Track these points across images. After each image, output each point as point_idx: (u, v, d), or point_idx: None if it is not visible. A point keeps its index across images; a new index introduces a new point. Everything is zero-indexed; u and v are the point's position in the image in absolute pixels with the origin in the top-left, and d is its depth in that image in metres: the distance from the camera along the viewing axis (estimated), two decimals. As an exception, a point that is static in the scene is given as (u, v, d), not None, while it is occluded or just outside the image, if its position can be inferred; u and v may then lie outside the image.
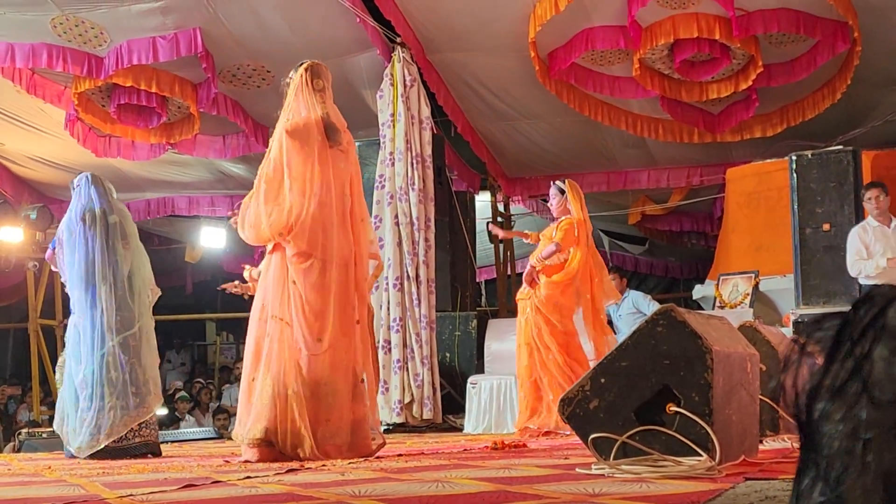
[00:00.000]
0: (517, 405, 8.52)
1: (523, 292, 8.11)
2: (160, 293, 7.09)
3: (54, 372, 13.92)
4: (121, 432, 6.49)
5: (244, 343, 5.73)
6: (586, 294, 8.05)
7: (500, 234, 10.19)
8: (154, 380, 6.78)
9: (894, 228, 8.77)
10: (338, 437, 5.27)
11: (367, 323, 5.68)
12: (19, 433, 10.59)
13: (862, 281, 8.77)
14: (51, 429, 11.16)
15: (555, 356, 7.81)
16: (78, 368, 6.58)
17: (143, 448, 6.59)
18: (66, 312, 14.48)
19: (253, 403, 5.29)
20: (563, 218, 8.11)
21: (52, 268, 7.08)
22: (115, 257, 6.73)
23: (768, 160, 11.35)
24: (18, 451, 9.77)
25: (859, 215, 9.29)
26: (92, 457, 6.37)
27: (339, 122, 5.65)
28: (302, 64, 5.73)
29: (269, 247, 5.49)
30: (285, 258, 5.40)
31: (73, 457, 6.55)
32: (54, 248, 6.90)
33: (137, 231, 7.16)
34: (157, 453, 6.68)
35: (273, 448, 5.17)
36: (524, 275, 8.18)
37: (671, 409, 3.43)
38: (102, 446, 6.43)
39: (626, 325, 10.42)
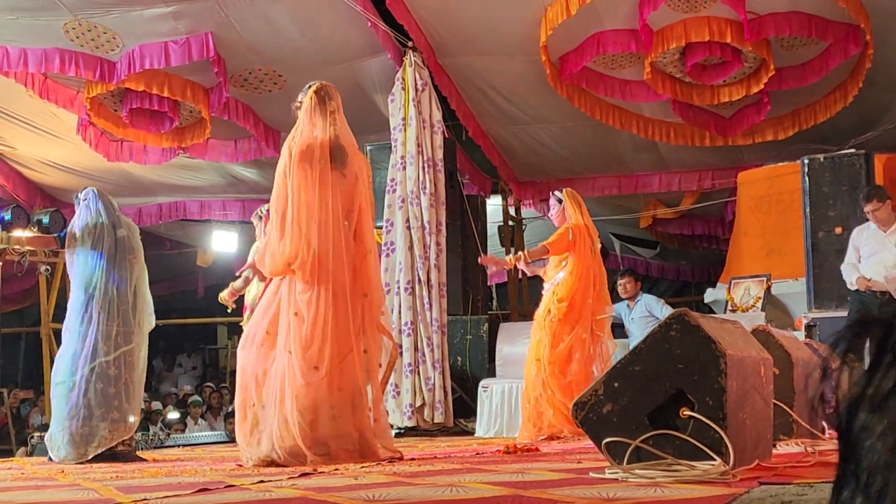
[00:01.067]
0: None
1: (539, 312, 8.12)
2: (153, 326, 7.08)
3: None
4: (108, 445, 6.53)
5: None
6: (588, 301, 8.02)
7: (489, 262, 9.92)
8: (139, 397, 6.82)
9: (891, 233, 8.68)
10: (348, 445, 5.28)
11: (377, 357, 5.66)
12: (31, 437, 10.61)
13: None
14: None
15: (550, 376, 7.81)
16: (66, 379, 6.59)
17: (121, 456, 6.62)
18: (78, 316, 14.59)
19: (256, 430, 5.32)
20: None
21: (66, 258, 7.03)
22: (123, 272, 6.75)
23: (780, 164, 11.33)
24: (31, 454, 9.78)
25: (872, 219, 9.27)
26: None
27: (349, 145, 5.63)
28: (311, 86, 5.69)
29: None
30: (290, 286, 5.39)
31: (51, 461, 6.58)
32: (60, 236, 6.91)
33: (148, 238, 7.18)
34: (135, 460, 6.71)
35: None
36: (490, 259, 8.41)
37: (685, 413, 3.42)
38: (90, 457, 6.46)
39: (639, 329, 10.40)
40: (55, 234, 7.05)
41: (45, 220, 13.10)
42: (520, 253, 8.24)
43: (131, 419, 6.67)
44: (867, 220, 9.03)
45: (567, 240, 7.96)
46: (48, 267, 13.59)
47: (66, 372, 6.58)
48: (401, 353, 9.61)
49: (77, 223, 6.89)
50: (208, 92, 10.89)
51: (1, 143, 12.61)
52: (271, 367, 5.35)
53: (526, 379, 8.06)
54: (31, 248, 7.17)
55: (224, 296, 7.97)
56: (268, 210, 8.19)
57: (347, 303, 5.41)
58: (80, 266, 6.70)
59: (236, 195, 14.44)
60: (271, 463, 5.17)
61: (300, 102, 5.65)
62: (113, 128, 11.41)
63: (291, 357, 5.28)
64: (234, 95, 11.19)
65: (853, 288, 8.66)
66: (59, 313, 14.12)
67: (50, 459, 6.68)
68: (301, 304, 5.33)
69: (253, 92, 11.29)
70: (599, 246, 8.42)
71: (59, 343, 13.52)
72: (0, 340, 12.99)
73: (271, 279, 5.60)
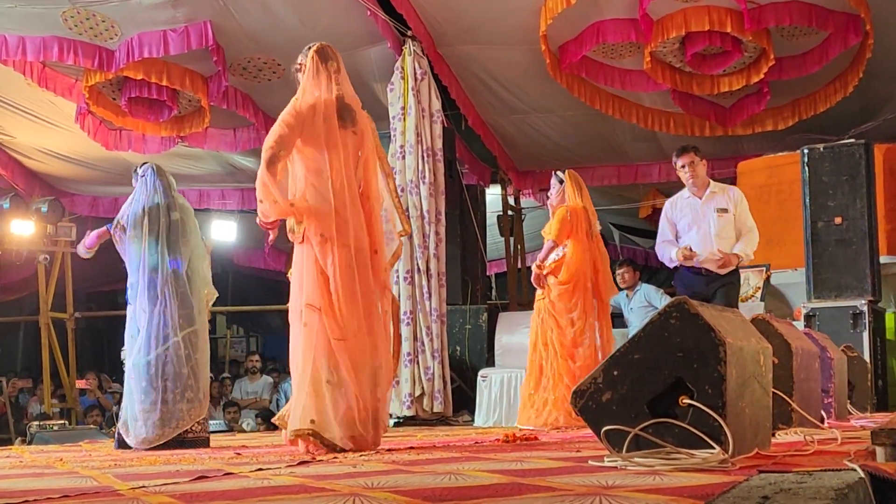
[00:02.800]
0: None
1: (539, 293, 8.09)
2: (217, 295, 7.10)
3: (69, 367, 13.96)
4: (187, 425, 6.55)
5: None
6: (588, 284, 7.98)
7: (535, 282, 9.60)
8: (207, 377, 6.84)
9: (707, 199, 8.04)
10: (365, 425, 5.19)
11: (391, 315, 5.61)
12: (30, 426, 10.61)
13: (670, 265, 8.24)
14: (62, 421, 11.21)
15: (560, 358, 7.79)
16: (139, 361, 6.59)
17: (199, 442, 6.63)
18: (77, 306, 14.62)
19: (299, 395, 5.20)
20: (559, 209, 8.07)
21: (117, 245, 7.01)
22: (177, 255, 6.76)
23: (780, 153, 11.32)
24: (29, 443, 9.79)
25: (872, 209, 9.26)
26: (157, 448, 6.41)
27: (354, 103, 5.57)
28: (311, 47, 5.61)
29: (299, 237, 5.34)
30: (309, 250, 5.32)
31: (125, 447, 6.56)
32: (110, 229, 6.91)
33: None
34: (206, 445, 6.72)
35: (320, 439, 5.06)
36: (532, 279, 8.15)
37: (684, 401, 3.42)
38: (168, 439, 6.47)
39: (638, 319, 10.39)
40: (106, 227, 7.05)
41: (44, 208, 13.16)
42: (536, 262, 8.16)
43: (203, 399, 6.70)
44: (867, 211, 9.04)
45: (567, 225, 7.92)
46: (46, 256, 13.64)
47: (142, 352, 6.58)
48: (400, 343, 9.57)
49: (133, 205, 6.87)
50: (207, 81, 10.88)
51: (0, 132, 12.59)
52: (305, 328, 5.25)
53: (530, 364, 8.03)
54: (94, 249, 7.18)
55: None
56: None
57: (367, 261, 5.37)
58: (137, 249, 6.70)
59: (235, 184, 14.43)
60: (309, 434, 5.07)
61: (300, 64, 5.57)
62: (112, 116, 11.39)
63: (323, 316, 5.19)
64: (233, 84, 11.18)
65: (673, 265, 8.16)
66: (58, 302, 14.19)
67: (119, 446, 6.64)
68: (323, 260, 5.23)
69: (252, 80, 11.28)
70: (599, 228, 8.39)
71: (59, 332, 13.56)
72: (-1, 329, 13.00)
73: None
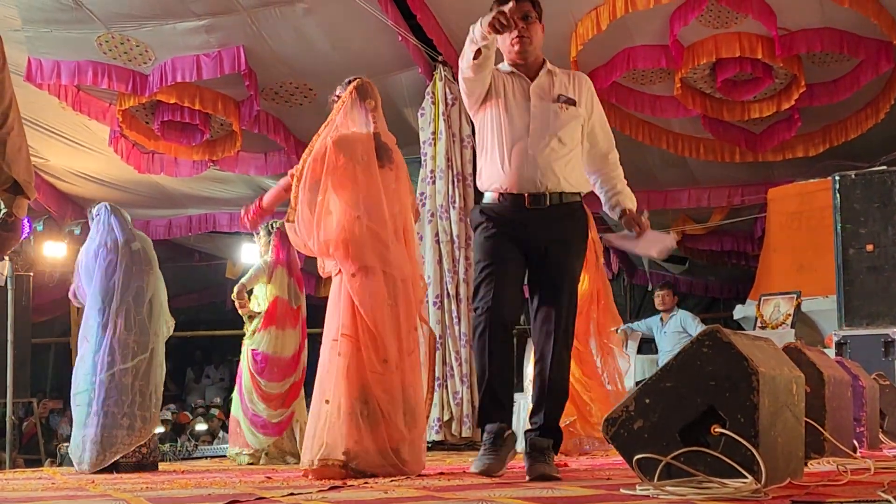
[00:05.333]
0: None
1: None
2: (174, 321, 7.15)
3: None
4: (126, 451, 6.60)
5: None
6: (593, 315, 7.98)
7: None
8: (158, 400, 6.88)
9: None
10: (399, 457, 5.14)
11: (428, 347, 5.59)
12: (60, 447, 10.68)
13: None
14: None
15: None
16: (83, 387, 6.69)
17: (139, 466, 6.68)
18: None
19: (325, 425, 5.12)
20: None
21: (75, 304, 7.16)
22: (140, 283, 6.84)
23: (811, 180, 11.29)
24: (60, 465, 9.84)
25: (905, 235, 9.22)
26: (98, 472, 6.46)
27: (390, 140, 5.58)
28: (350, 81, 5.63)
29: (335, 270, 5.32)
30: (346, 284, 5.25)
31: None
32: (75, 287, 7.01)
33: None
34: (154, 469, 6.75)
35: (346, 470, 5.00)
36: None
37: (716, 430, 3.41)
38: (108, 464, 6.53)
39: (670, 344, 10.36)
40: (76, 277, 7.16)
41: (77, 231, 13.26)
42: None
43: (148, 426, 6.74)
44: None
45: None
46: (79, 278, 13.73)
47: (85, 381, 6.68)
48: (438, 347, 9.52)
49: (88, 245, 6.97)
50: (239, 105, 10.95)
51: (33, 154, 12.70)
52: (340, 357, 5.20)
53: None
54: None
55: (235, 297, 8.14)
56: (279, 226, 8.26)
57: (410, 293, 5.34)
58: (96, 280, 6.78)
59: (266, 208, 14.47)
60: (337, 464, 5.01)
61: (337, 96, 5.58)
62: (144, 140, 11.48)
63: (361, 348, 5.13)
64: (264, 108, 11.25)
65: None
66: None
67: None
68: (361, 292, 5.19)
69: (283, 105, 11.35)
70: (603, 260, 8.39)
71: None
72: (30, 351, 13.07)
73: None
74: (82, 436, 6.65)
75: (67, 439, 12.24)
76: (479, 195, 5.17)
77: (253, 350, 8.33)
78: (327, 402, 5.15)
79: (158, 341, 6.91)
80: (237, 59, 9.94)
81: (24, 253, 12.43)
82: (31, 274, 13.00)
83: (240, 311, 8.37)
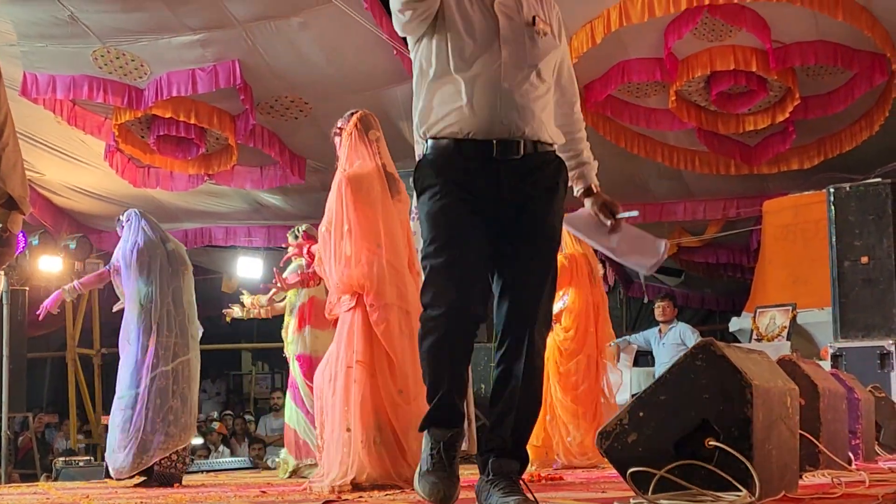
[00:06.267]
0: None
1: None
2: (202, 329, 7.14)
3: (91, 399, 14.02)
4: (163, 455, 6.57)
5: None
6: (591, 329, 7.98)
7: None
8: (195, 409, 6.85)
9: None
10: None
11: None
12: (56, 462, 10.65)
13: None
14: (88, 457, 11.24)
15: (560, 399, 7.79)
16: (126, 392, 6.64)
17: (170, 477, 6.65)
18: (104, 341, 14.69)
19: (347, 452, 5.09)
20: None
21: (115, 287, 7.08)
22: (177, 283, 6.82)
23: (806, 192, 11.31)
24: (55, 479, 9.82)
25: (900, 248, 9.22)
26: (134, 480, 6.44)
27: (395, 173, 5.58)
28: (353, 113, 5.63)
29: (350, 304, 5.29)
30: (358, 320, 5.24)
31: (108, 477, 6.63)
32: (109, 269, 6.98)
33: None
34: (178, 482, 6.74)
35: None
36: None
37: (710, 443, 3.41)
38: (145, 468, 6.50)
39: (668, 355, 10.34)
40: (105, 268, 7.14)
41: (73, 245, 13.25)
42: None
43: (187, 430, 6.71)
44: (894, 250, 8.99)
45: (566, 272, 7.80)
46: (74, 292, 13.71)
47: (128, 385, 6.64)
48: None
49: (123, 246, 6.94)
50: (235, 119, 10.96)
51: (29, 169, 12.70)
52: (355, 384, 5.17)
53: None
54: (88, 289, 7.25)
55: (236, 309, 8.05)
56: (305, 230, 8.22)
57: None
58: (134, 283, 6.75)
59: (261, 221, 14.49)
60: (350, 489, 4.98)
61: (339, 129, 5.59)
62: (140, 154, 11.49)
63: (378, 378, 5.12)
64: (260, 122, 11.25)
65: None
66: (85, 338, 14.26)
67: (107, 476, 6.71)
68: (379, 324, 5.18)
69: (279, 119, 11.35)
70: (602, 273, 8.38)
71: (85, 368, 13.62)
72: (26, 365, 13.03)
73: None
74: (122, 441, 6.60)
75: (63, 454, 12.26)
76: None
77: (297, 356, 8.17)
78: (349, 430, 5.11)
79: (195, 345, 6.90)
80: (232, 74, 9.95)
81: (20, 267, 12.39)
82: (27, 288, 12.95)
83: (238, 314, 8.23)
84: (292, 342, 8.17)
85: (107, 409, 14.32)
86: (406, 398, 5.15)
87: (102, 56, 9.82)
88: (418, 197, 3.78)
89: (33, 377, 18.69)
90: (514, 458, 3.68)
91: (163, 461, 6.64)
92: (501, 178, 3.67)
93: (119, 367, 6.85)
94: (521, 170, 3.68)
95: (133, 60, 9.93)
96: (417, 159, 3.82)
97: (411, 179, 3.81)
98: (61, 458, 10.88)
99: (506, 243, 3.71)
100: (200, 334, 7.10)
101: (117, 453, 6.61)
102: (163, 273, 6.80)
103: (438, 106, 3.71)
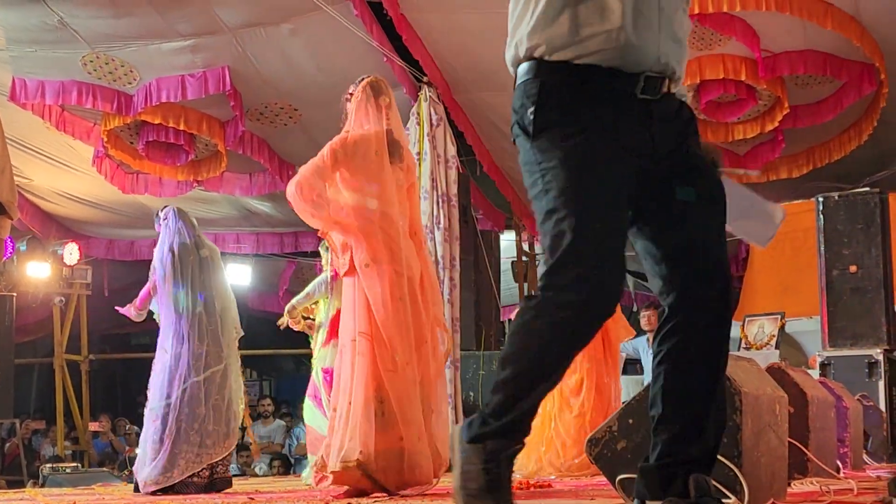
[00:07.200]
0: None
1: None
2: (242, 333, 7.04)
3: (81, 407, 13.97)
4: (195, 469, 6.45)
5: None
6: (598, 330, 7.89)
7: None
8: (236, 417, 6.74)
9: None
10: (413, 459, 5.07)
11: (440, 352, 5.47)
12: (43, 468, 10.61)
13: None
14: (74, 464, 11.20)
15: (557, 409, 7.75)
16: (157, 403, 6.54)
17: (213, 485, 6.55)
18: (92, 348, 14.66)
19: (346, 426, 5.03)
20: None
21: (133, 315, 7.01)
22: (208, 291, 6.74)
23: (794, 201, 11.31)
24: (42, 486, 9.78)
25: (887, 257, 9.23)
26: (162, 492, 6.34)
27: (402, 140, 5.56)
28: (363, 79, 5.60)
29: (345, 265, 5.24)
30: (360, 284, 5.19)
31: (137, 491, 6.52)
32: (150, 287, 6.87)
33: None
34: (228, 486, 6.65)
35: (364, 470, 4.91)
36: None
37: (699, 450, 3.40)
38: (173, 482, 6.39)
39: (656, 365, 10.33)
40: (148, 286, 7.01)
41: (60, 251, 13.22)
42: None
43: (222, 443, 6.60)
44: (882, 260, 9.02)
45: None
46: (62, 298, 13.70)
47: (159, 395, 6.53)
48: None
49: (160, 249, 6.86)
50: (224, 125, 10.94)
51: (17, 174, 12.65)
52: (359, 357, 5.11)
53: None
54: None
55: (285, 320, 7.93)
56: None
57: (417, 291, 5.26)
58: (169, 289, 6.68)
59: (251, 228, 14.47)
60: (357, 465, 4.92)
61: (350, 94, 5.56)
62: (129, 160, 11.46)
63: (375, 345, 5.07)
64: (249, 129, 11.23)
65: None
66: (73, 344, 14.22)
67: (136, 490, 6.59)
68: (371, 289, 5.13)
69: (268, 125, 11.34)
70: None
71: (73, 374, 13.58)
72: (13, 371, 13.00)
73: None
74: (152, 451, 6.48)
75: (50, 460, 12.20)
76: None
77: (323, 369, 8.09)
78: (350, 403, 5.07)
79: (231, 353, 6.78)
80: (222, 80, 9.94)
81: (7, 273, 12.38)
82: (14, 294, 12.94)
83: (295, 328, 8.15)
84: (319, 357, 8.10)
85: (94, 416, 14.34)
86: (398, 366, 5.08)
87: (92, 61, 9.80)
88: (534, 137, 2.94)
89: (21, 383, 18.63)
90: (710, 470, 2.95)
91: (201, 472, 6.52)
92: (653, 121, 2.95)
93: (151, 375, 6.73)
94: (667, 113, 3.00)
95: (122, 66, 9.91)
96: (522, 84, 3.15)
97: (515, 116, 3.07)
98: (48, 465, 10.84)
99: (663, 200, 3.04)
100: (238, 338, 6.98)
101: (146, 466, 6.48)
102: (195, 280, 6.72)
103: (575, 22, 2.92)
